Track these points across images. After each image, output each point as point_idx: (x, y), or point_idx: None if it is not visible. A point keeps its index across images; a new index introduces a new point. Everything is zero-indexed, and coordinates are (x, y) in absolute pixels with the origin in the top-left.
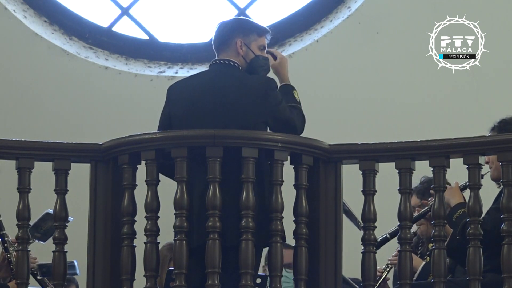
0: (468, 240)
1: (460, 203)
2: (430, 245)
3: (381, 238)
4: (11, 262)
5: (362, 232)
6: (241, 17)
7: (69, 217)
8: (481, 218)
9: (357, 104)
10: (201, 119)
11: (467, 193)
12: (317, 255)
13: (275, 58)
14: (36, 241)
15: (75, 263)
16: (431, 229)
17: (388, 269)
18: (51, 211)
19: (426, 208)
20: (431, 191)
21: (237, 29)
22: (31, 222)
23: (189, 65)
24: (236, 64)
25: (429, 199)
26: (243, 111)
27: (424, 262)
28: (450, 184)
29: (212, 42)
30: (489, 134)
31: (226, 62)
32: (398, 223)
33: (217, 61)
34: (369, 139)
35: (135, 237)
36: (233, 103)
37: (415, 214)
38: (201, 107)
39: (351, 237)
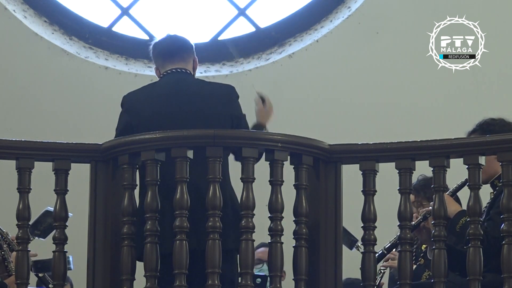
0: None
1: (460, 212)
2: (423, 247)
3: (378, 254)
4: (5, 259)
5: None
6: None
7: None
8: (484, 223)
9: (357, 104)
10: (169, 127)
11: (466, 194)
12: (317, 255)
13: (263, 101)
14: (36, 238)
15: (70, 259)
16: (425, 236)
17: (381, 274)
18: (50, 208)
19: (419, 218)
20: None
21: (193, 48)
22: (31, 220)
23: None
24: (192, 74)
25: (423, 210)
26: (211, 116)
27: (415, 266)
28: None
29: (167, 48)
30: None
31: (184, 70)
32: (398, 224)
33: (175, 70)
34: (369, 139)
35: (135, 237)
36: (200, 110)
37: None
38: (169, 114)
39: None
